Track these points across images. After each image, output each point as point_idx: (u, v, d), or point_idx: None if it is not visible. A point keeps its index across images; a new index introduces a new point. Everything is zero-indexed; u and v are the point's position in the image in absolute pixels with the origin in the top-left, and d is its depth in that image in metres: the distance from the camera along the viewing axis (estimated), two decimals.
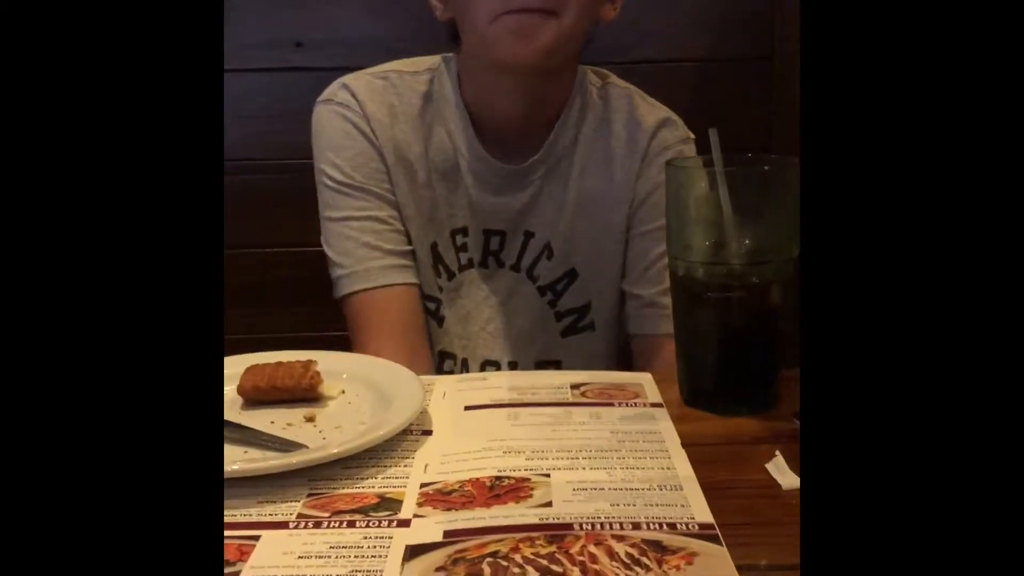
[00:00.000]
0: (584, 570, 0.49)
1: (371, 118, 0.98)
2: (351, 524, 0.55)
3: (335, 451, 0.61)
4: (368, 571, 0.50)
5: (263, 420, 0.69)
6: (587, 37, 0.96)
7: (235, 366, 0.74)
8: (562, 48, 0.91)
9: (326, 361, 0.76)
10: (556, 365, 1.04)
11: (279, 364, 0.74)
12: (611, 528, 0.53)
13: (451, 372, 1.04)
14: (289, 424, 0.69)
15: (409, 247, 1.00)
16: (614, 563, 0.49)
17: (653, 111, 1.03)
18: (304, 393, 0.72)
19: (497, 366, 1.04)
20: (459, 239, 1.02)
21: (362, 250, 0.97)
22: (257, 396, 0.72)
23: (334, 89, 1.01)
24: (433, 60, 1.02)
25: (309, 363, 0.74)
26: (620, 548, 0.51)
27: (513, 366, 1.04)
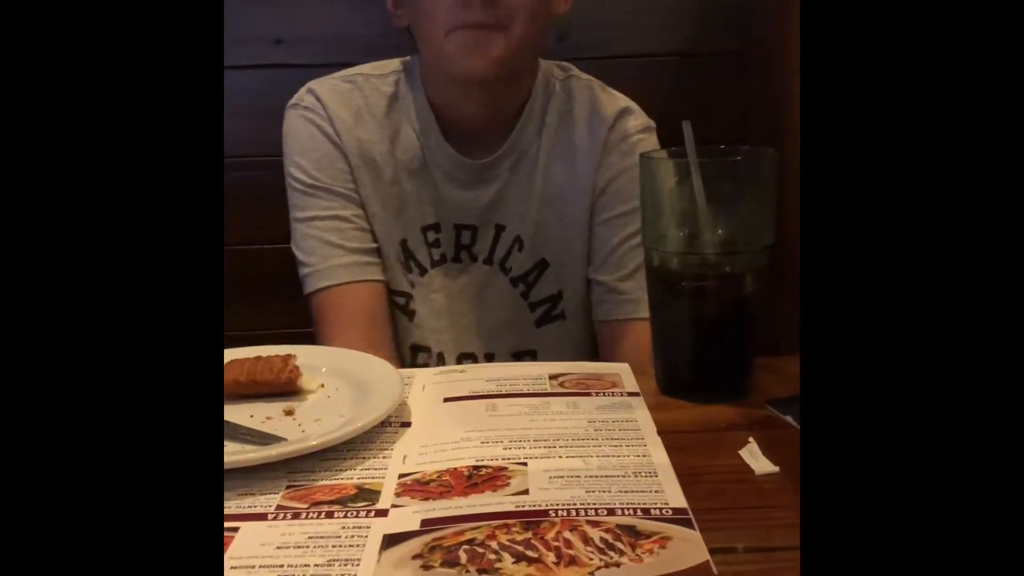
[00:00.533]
0: (559, 555, 0.49)
1: (335, 120, 1.00)
2: (329, 515, 0.55)
3: (314, 443, 0.61)
4: (346, 560, 0.50)
5: (243, 414, 0.69)
6: (544, 36, 0.98)
7: None
8: (514, 58, 0.93)
9: (305, 355, 0.76)
10: (532, 355, 1.05)
11: (259, 358, 0.74)
12: (586, 514, 0.54)
13: (425, 365, 1.06)
14: (268, 418, 0.69)
15: (373, 245, 1.01)
16: (588, 548, 0.50)
17: (613, 101, 1.04)
18: (283, 387, 0.72)
19: (474, 358, 1.05)
20: (430, 235, 1.03)
21: (325, 248, 0.99)
22: (237, 390, 0.72)
23: (301, 94, 1.03)
24: (397, 63, 1.04)
25: (288, 357, 0.74)
26: (595, 533, 0.51)
27: (489, 358, 1.05)
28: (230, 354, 0.76)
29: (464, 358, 1.06)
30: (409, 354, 1.06)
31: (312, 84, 1.03)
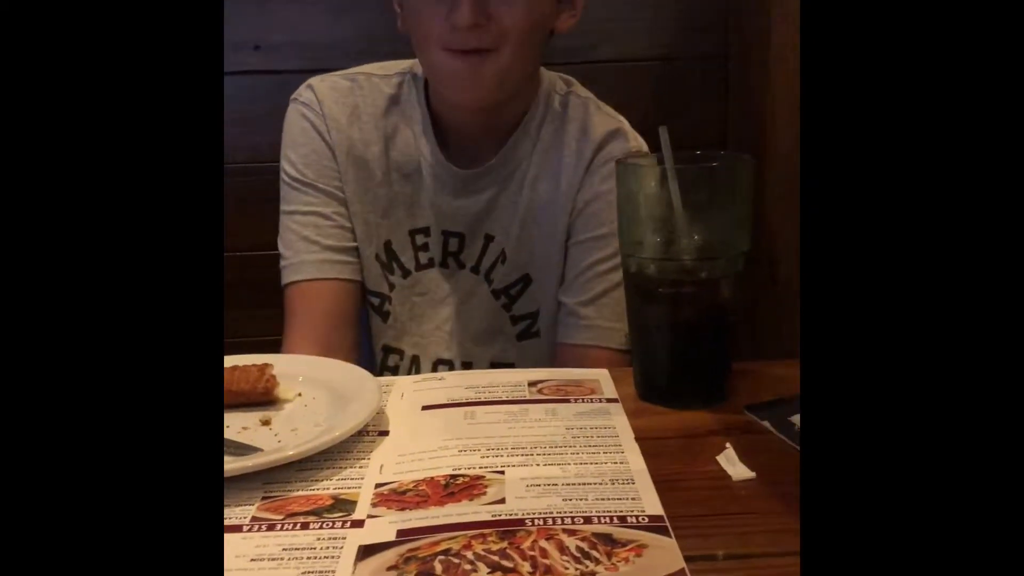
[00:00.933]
0: (535, 564, 0.49)
1: (328, 117, 1.01)
2: (305, 526, 0.55)
3: (290, 453, 0.61)
4: (321, 572, 0.50)
5: None
6: (541, 54, 0.97)
7: None
8: (508, 81, 0.92)
9: (282, 364, 0.76)
10: (510, 367, 1.05)
11: (234, 368, 0.73)
12: (563, 522, 0.54)
13: (396, 367, 1.06)
14: (244, 428, 0.69)
15: (351, 243, 1.02)
16: (564, 557, 0.50)
17: (605, 122, 1.02)
18: (260, 397, 0.72)
19: (450, 365, 1.05)
20: (419, 238, 1.03)
21: (300, 243, 1.00)
22: None
23: (301, 88, 1.04)
24: (407, 64, 1.04)
25: (265, 367, 0.73)
26: (571, 542, 0.51)
27: (467, 366, 1.05)
28: None
29: (441, 364, 1.05)
30: (380, 355, 1.06)
31: (313, 80, 1.04)
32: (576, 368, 0.84)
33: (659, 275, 0.71)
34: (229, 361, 0.75)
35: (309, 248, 1.00)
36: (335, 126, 1.01)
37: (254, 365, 0.74)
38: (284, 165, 1.02)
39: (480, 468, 0.62)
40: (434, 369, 1.05)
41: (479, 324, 1.05)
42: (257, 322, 1.54)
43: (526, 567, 0.49)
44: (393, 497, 0.58)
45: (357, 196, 1.01)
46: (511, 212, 1.02)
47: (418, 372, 1.05)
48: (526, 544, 0.51)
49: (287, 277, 1.01)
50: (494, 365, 1.05)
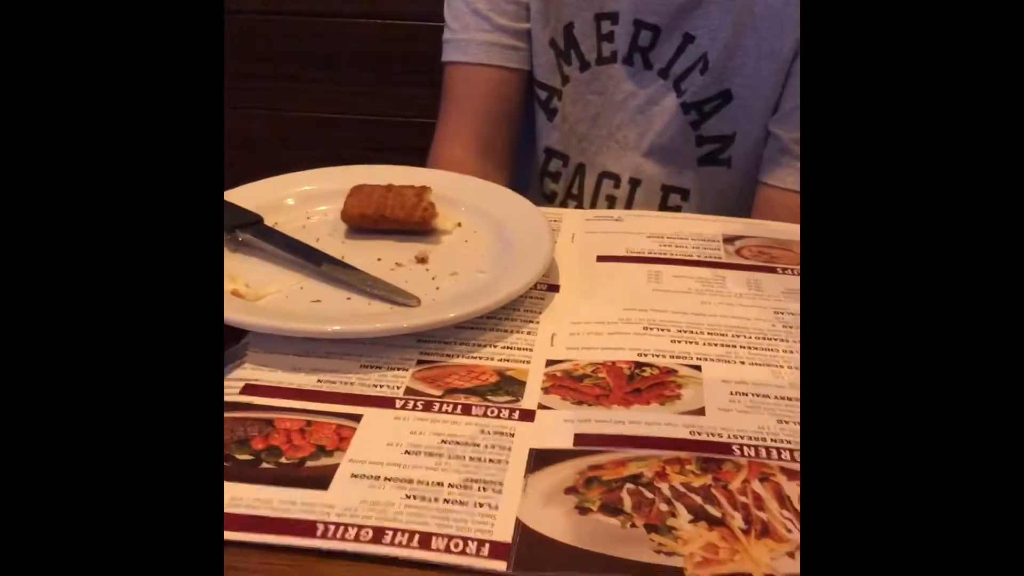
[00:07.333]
0: (748, 518, 0.40)
1: None
2: (466, 410, 0.47)
3: (450, 316, 0.52)
4: (485, 482, 0.42)
5: (369, 255, 0.61)
6: None
7: (342, 181, 0.65)
8: None
9: (442, 187, 0.65)
10: (684, 195, 0.92)
11: (389, 188, 0.64)
12: (779, 456, 0.44)
13: (558, 174, 0.94)
14: (398, 264, 0.60)
15: (525, 25, 0.88)
16: (785, 512, 0.40)
17: None
18: (416, 226, 0.63)
19: (616, 180, 0.92)
20: (606, 25, 0.88)
21: (470, 17, 0.88)
22: (362, 224, 0.63)
23: None
24: None
25: (423, 190, 0.64)
26: (792, 490, 0.42)
27: (635, 184, 0.92)
28: (358, 174, 0.67)
29: (607, 177, 0.93)
30: (542, 157, 0.94)
31: None
32: (782, 221, 0.70)
33: None
34: (384, 175, 0.66)
35: (479, 25, 0.87)
36: None
37: (411, 188, 0.64)
38: None
39: (671, 357, 0.52)
40: (598, 182, 0.93)
41: (658, 138, 0.90)
42: (359, 96, 1.44)
43: (737, 521, 0.40)
44: (568, 383, 0.49)
45: None
46: (724, 11, 0.84)
47: (581, 184, 0.94)
48: (735, 483, 0.42)
49: (449, 54, 0.89)
50: (666, 189, 0.93)
